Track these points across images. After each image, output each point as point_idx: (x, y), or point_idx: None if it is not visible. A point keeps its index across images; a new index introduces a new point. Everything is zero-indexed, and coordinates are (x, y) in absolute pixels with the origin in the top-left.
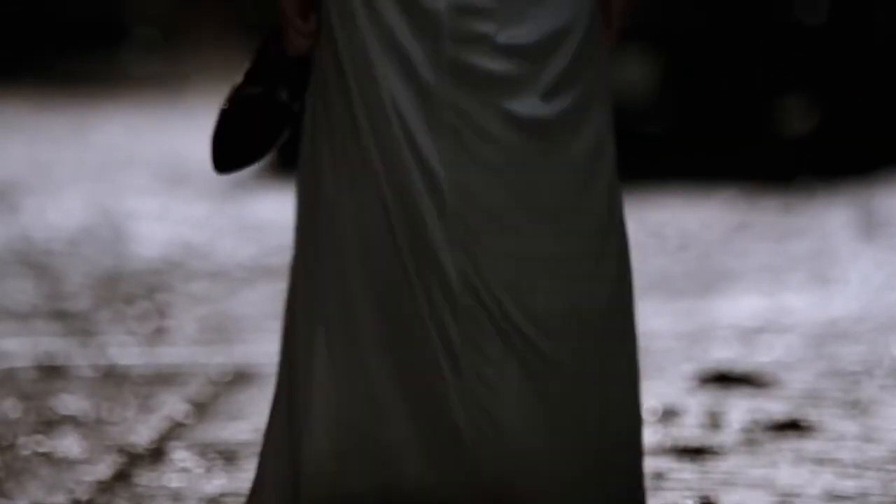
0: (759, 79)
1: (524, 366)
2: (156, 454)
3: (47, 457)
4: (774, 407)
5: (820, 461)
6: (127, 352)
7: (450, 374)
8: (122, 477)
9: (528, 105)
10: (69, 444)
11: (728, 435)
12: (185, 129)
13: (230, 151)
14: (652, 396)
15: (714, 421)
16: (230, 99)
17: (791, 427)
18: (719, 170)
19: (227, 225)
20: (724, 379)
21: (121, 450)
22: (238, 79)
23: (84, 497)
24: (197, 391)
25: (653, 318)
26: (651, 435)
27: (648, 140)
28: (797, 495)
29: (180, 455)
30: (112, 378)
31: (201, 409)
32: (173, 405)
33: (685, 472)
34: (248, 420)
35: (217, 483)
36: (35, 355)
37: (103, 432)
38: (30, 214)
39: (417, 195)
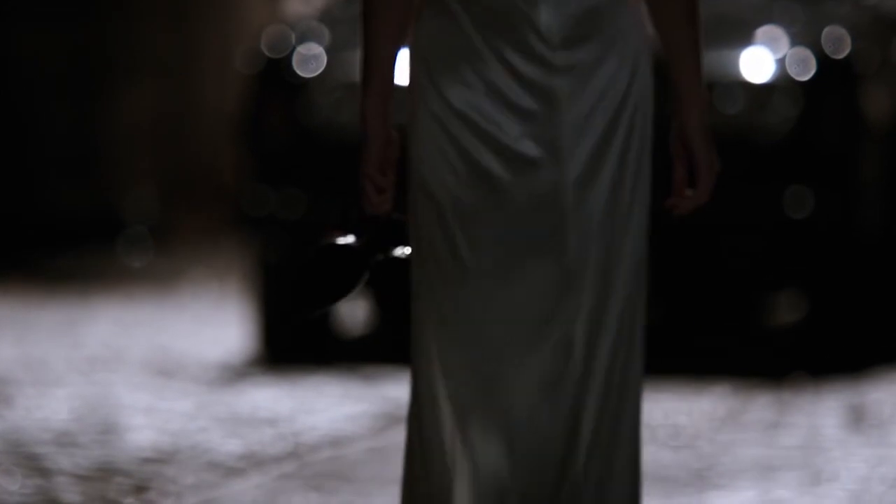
0: (747, 272)
1: None
2: None
3: None
4: None
5: None
6: None
7: None
8: None
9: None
10: None
11: None
12: (177, 322)
13: (311, 297)
14: None
15: None
16: (315, 249)
17: None
18: (710, 364)
19: (219, 417)
20: None
21: None
22: (322, 235)
23: None
24: None
25: None
26: None
27: None
28: None
29: None
30: None
31: None
32: None
33: None
34: None
35: None
36: None
37: None
38: (21, 409)
39: None
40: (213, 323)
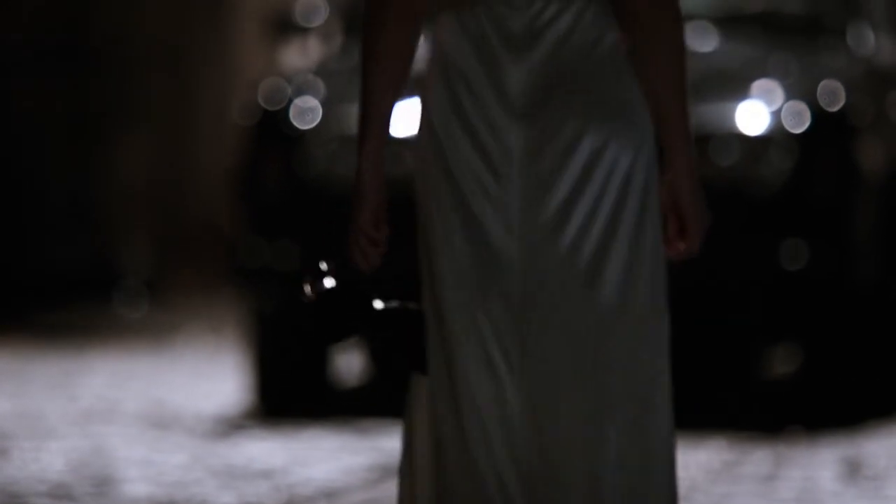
0: (743, 325)
1: None
2: None
3: None
4: None
5: None
6: None
7: None
8: None
9: None
10: None
11: None
12: (172, 375)
13: (333, 326)
14: None
15: None
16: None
17: None
18: (706, 416)
19: (214, 469)
20: None
21: None
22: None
23: None
24: None
25: None
26: None
27: None
28: None
29: None
30: None
31: None
32: None
33: None
34: None
35: None
36: None
37: None
38: (16, 461)
39: None
40: (208, 375)
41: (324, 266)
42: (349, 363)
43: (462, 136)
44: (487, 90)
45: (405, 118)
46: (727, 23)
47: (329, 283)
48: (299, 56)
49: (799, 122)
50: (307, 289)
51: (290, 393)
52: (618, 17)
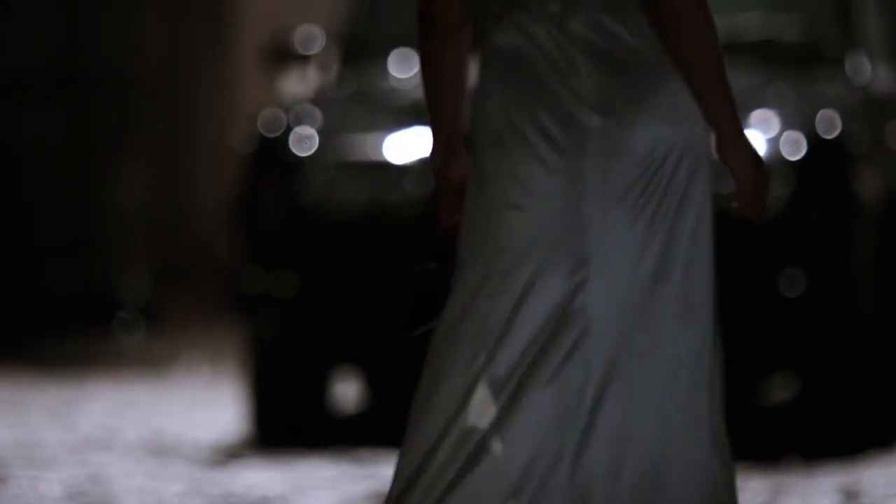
0: (741, 353)
1: None
2: None
3: None
4: None
5: None
6: None
7: None
8: None
9: None
10: None
11: None
12: (171, 404)
13: (409, 318)
14: None
15: None
16: (411, 274)
17: None
18: None
19: (212, 498)
20: None
21: None
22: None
23: None
24: None
25: None
26: None
27: None
28: None
29: None
30: None
31: None
32: None
33: None
34: None
35: None
36: None
37: None
38: (15, 490)
39: None
40: (206, 404)
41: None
42: (346, 392)
43: (531, 130)
44: (560, 88)
45: (401, 146)
46: (725, 51)
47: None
48: (298, 84)
49: (796, 150)
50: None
51: (288, 421)
52: (653, 21)
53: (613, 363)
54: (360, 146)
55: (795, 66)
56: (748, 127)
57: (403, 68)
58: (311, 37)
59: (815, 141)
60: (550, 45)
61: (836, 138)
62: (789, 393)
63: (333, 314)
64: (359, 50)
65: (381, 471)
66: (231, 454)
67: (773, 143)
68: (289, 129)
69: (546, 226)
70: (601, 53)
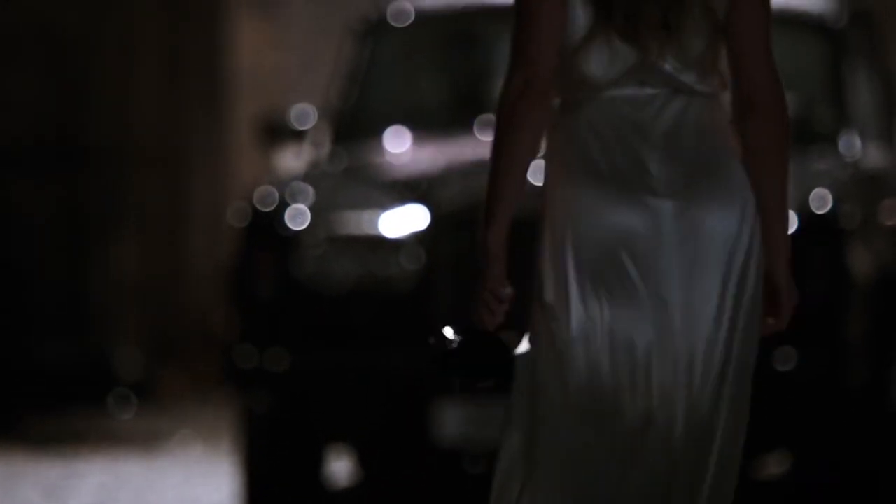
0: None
1: None
2: None
3: None
4: None
5: None
6: None
7: None
8: None
9: None
10: None
11: None
12: (163, 482)
13: (466, 371)
14: None
15: None
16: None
17: None
18: None
19: None
20: None
21: None
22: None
23: None
24: None
25: None
26: None
27: None
28: None
29: None
30: None
31: None
32: None
33: None
34: None
35: None
36: None
37: None
38: None
39: None
40: (200, 481)
41: (448, 332)
42: (340, 465)
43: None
44: (631, 172)
45: (396, 220)
46: None
47: (454, 344)
48: (294, 159)
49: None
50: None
51: (281, 496)
52: (733, 103)
53: None
54: (353, 220)
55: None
56: None
57: (398, 144)
58: (306, 113)
59: (807, 217)
60: (625, 127)
61: (828, 214)
62: (781, 467)
63: (327, 389)
64: (352, 126)
65: None
66: None
67: None
68: (283, 204)
69: None
70: (671, 135)
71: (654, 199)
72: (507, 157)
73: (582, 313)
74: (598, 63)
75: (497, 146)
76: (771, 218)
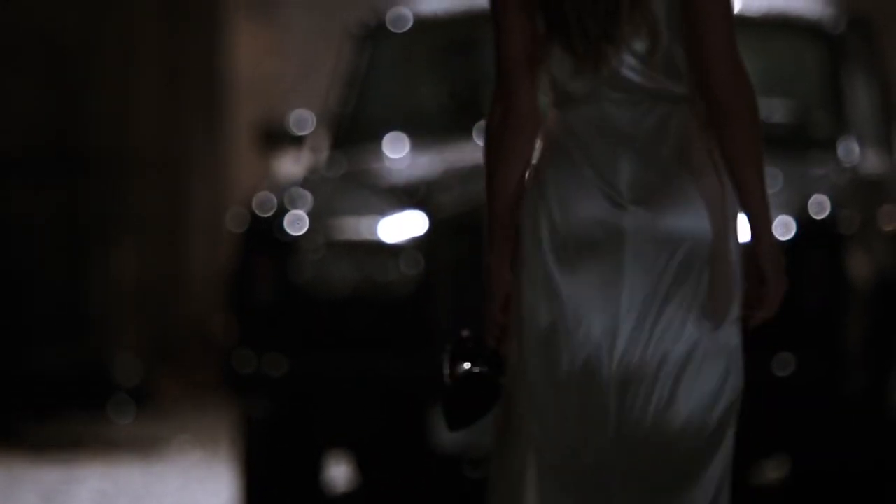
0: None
1: None
2: None
3: None
4: None
5: None
6: None
7: None
8: None
9: None
10: None
11: None
12: (162, 487)
13: (459, 415)
14: None
15: None
16: (451, 377)
17: None
18: None
19: None
20: None
21: None
22: (447, 362)
23: None
24: None
25: None
26: None
27: None
28: None
29: None
30: None
31: None
32: None
33: None
34: None
35: None
36: None
37: None
38: None
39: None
40: (198, 487)
41: (465, 333)
42: (339, 470)
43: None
44: (604, 172)
45: (395, 225)
46: None
47: (466, 365)
48: (292, 165)
49: (786, 231)
50: (447, 370)
51: (281, 500)
52: (703, 99)
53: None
54: (352, 226)
55: (787, 150)
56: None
57: (397, 149)
58: (305, 118)
59: (806, 222)
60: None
61: (826, 219)
62: (780, 473)
63: (326, 394)
64: (351, 131)
65: None
66: None
67: None
68: (282, 210)
69: None
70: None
71: (620, 200)
72: (499, 183)
73: (555, 295)
74: (562, 72)
75: (489, 174)
76: (749, 202)
